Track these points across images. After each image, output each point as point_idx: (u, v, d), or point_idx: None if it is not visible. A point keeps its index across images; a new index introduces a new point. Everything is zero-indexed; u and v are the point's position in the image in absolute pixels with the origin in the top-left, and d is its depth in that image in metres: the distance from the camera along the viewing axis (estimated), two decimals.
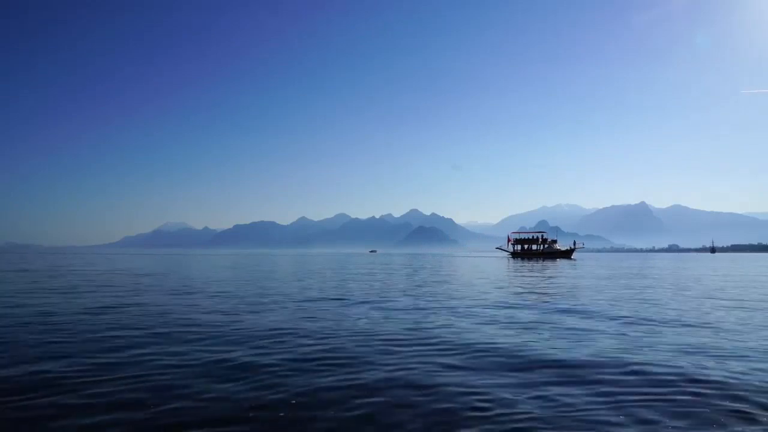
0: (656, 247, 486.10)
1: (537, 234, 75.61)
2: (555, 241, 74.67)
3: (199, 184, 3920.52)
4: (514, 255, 74.68)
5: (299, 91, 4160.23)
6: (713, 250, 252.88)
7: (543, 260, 57.59)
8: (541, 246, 73.60)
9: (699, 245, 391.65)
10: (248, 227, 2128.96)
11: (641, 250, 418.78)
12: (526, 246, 74.96)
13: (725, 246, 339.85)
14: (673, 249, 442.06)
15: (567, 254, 71.96)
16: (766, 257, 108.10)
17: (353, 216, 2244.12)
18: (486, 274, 27.58)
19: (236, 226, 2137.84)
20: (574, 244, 73.77)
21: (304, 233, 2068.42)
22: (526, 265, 42.49)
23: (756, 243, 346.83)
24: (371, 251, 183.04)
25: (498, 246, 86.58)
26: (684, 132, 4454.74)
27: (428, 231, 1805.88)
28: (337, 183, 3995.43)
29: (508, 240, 77.28)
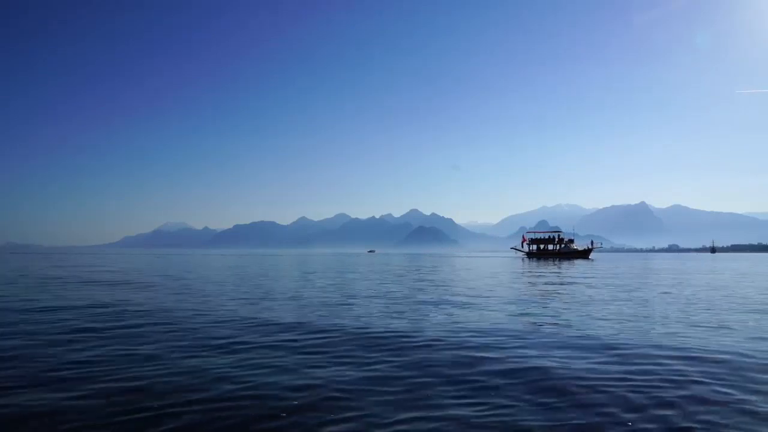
0: (656, 247, 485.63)
1: (553, 233, 73.49)
2: (572, 241, 72.56)
3: (199, 184, 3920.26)
4: (530, 255, 72.99)
5: (299, 91, 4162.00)
6: (713, 250, 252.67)
7: (559, 261, 55.63)
8: (558, 246, 71.54)
9: (699, 245, 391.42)
10: (248, 227, 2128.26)
11: (641, 250, 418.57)
12: (541, 246, 73.03)
13: (725, 246, 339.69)
14: (673, 249, 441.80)
15: (584, 254, 69.98)
16: (766, 257, 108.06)
17: (353, 216, 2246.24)
18: (500, 281, 25.02)
19: (236, 226, 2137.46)
20: (592, 243, 71.79)
21: (304, 233, 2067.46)
22: (543, 266, 40.45)
23: (756, 243, 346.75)
24: (369, 251, 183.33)
25: (513, 246, 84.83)
26: (684, 132, 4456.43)
27: (428, 231, 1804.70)
28: (337, 183, 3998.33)
29: (523, 240, 75.62)
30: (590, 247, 71.00)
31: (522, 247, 75.82)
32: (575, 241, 73.97)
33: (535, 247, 73.58)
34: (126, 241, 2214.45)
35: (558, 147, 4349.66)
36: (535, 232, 76.03)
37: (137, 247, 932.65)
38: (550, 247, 71.99)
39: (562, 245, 71.27)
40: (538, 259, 64.89)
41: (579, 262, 48.38)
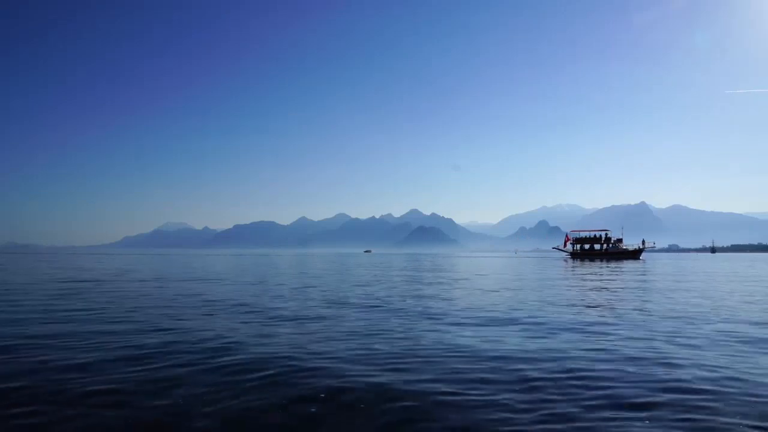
0: (656, 248, 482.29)
1: (600, 232, 69.27)
2: (620, 240, 68.19)
3: (199, 184, 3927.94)
4: (574, 255, 69.18)
5: (299, 91, 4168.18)
6: (713, 250, 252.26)
7: (607, 261, 50.91)
8: (605, 245, 67.49)
9: (699, 245, 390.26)
10: (248, 227, 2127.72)
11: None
12: (586, 246, 69.06)
13: (725, 246, 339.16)
14: (673, 249, 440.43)
15: (635, 255, 65.30)
16: (766, 257, 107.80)
17: (353, 216, 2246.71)
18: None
19: (236, 226, 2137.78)
20: (643, 243, 66.79)
21: (304, 233, 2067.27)
22: (593, 269, 32.32)
23: (756, 243, 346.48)
24: (366, 251, 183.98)
25: (555, 246, 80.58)
26: (684, 132, 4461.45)
27: (428, 231, 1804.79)
28: (337, 183, 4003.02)
29: (567, 239, 72.03)
30: (641, 247, 66.35)
31: (565, 246, 72.38)
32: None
33: (579, 246, 70.00)
34: (126, 241, 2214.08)
35: (558, 147, 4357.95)
36: (579, 231, 72.77)
37: (137, 247, 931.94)
38: (597, 246, 68.35)
39: (610, 245, 67.41)
40: (583, 259, 60.49)
41: (631, 264, 43.17)
